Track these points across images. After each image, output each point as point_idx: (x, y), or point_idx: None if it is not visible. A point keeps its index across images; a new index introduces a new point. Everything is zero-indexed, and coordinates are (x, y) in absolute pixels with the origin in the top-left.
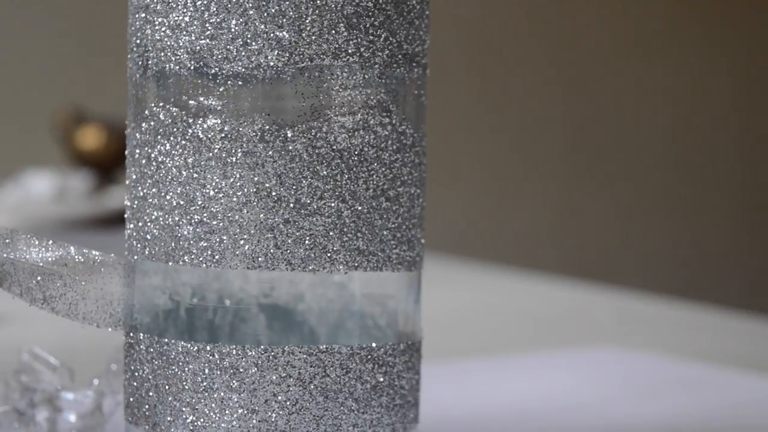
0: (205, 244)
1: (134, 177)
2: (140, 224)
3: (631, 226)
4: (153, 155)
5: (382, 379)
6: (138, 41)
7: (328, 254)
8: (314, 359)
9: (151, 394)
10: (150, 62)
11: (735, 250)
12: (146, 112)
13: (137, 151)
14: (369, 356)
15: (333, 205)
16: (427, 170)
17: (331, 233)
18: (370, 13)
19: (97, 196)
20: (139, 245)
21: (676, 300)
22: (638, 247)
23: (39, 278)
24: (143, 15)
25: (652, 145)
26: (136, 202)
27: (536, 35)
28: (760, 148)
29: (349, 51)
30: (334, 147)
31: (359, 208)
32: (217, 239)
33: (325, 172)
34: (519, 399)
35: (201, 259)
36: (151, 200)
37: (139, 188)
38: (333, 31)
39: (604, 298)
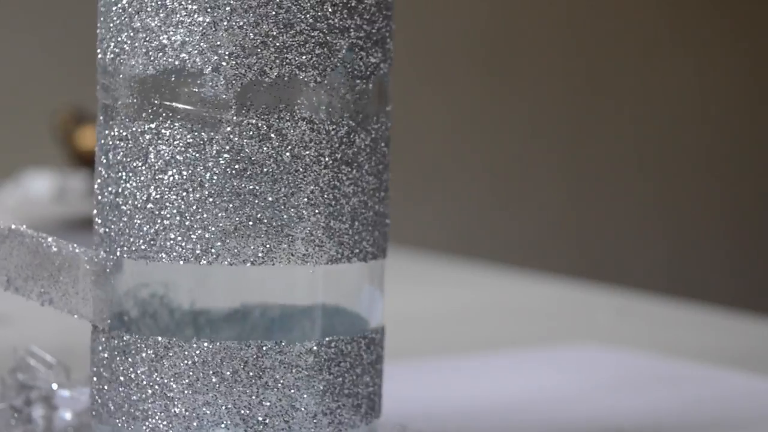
0: (171, 242)
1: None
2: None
3: (631, 226)
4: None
5: (342, 371)
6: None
7: (292, 248)
8: (275, 353)
9: (119, 390)
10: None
11: (735, 251)
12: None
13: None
14: (329, 348)
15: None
16: (391, 162)
17: (294, 227)
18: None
19: None
20: (106, 242)
21: (675, 299)
22: (637, 247)
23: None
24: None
25: (652, 146)
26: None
27: (537, 34)
28: (760, 149)
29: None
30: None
31: (322, 200)
32: (182, 236)
33: (287, 168)
34: (503, 395)
35: (165, 256)
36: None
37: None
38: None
39: (602, 297)
